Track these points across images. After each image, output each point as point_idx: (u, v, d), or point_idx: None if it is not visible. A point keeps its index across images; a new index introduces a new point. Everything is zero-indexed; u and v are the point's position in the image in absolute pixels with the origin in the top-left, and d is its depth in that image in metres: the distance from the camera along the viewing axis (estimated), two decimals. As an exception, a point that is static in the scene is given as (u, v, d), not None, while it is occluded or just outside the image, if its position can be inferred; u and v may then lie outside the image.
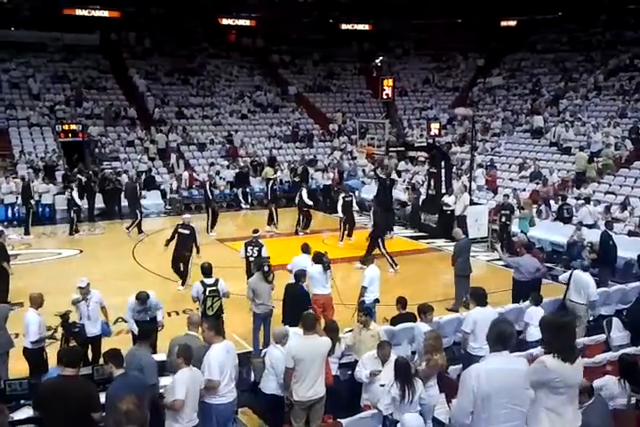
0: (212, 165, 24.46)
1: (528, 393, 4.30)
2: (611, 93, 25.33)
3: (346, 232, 16.75)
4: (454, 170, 20.24)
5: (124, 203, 20.37)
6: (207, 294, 8.87)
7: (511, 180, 21.69)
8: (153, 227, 18.52)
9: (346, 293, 10.60)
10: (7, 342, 8.13)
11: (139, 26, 31.85)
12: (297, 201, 18.18)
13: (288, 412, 6.59)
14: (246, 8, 34.25)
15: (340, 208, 16.60)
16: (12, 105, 25.54)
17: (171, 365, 6.58)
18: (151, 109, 27.62)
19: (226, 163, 24.80)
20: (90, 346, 8.38)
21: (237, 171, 23.77)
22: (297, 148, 28.16)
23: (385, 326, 8.77)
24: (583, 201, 16.77)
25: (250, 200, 22.94)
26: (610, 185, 19.20)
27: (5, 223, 18.64)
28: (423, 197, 18.81)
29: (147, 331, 6.99)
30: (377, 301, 9.91)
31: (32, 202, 18.27)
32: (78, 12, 30.52)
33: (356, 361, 7.32)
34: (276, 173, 22.97)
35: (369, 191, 21.45)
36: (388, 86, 19.37)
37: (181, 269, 12.62)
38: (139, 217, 17.95)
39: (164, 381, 6.56)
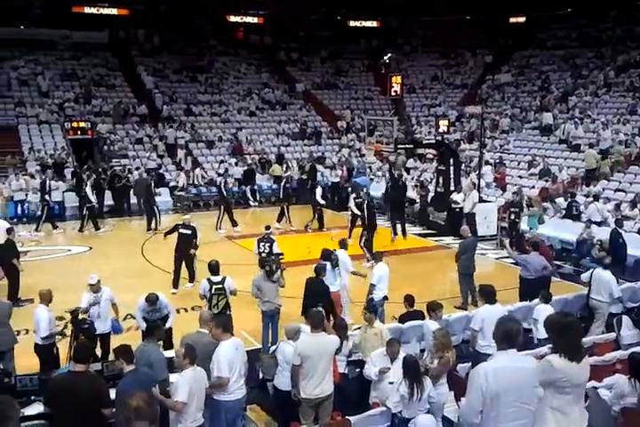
0: (221, 162, 24.53)
1: (536, 391, 4.29)
2: (621, 90, 25.16)
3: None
4: (463, 167, 20.17)
5: (133, 200, 20.47)
6: (213, 291, 8.89)
7: (520, 177, 21.59)
8: (162, 224, 18.53)
9: (355, 290, 10.60)
10: (11, 339, 8.19)
11: (147, 23, 31.91)
12: (311, 199, 18.25)
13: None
14: (254, 5, 34.21)
15: (353, 208, 16.43)
16: (22, 102, 25.66)
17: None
18: (159, 107, 27.66)
19: (234, 160, 24.83)
20: (99, 343, 8.43)
21: (245, 168, 23.80)
22: (305, 145, 28.15)
23: (392, 324, 8.78)
24: (592, 198, 16.70)
25: (258, 198, 22.95)
26: (620, 182, 19.09)
27: (15, 220, 18.72)
28: (432, 194, 18.77)
29: (151, 327, 6.97)
30: (385, 298, 9.92)
31: (48, 199, 18.43)
32: (87, 9, 30.57)
33: (363, 359, 7.34)
34: (287, 170, 22.98)
35: (377, 189, 21.44)
36: (396, 83, 19.34)
37: (180, 269, 12.47)
38: (156, 214, 17.97)
39: (173, 377, 6.57)
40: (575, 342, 4.34)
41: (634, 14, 28.35)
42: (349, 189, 19.78)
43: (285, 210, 18.42)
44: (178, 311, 10.19)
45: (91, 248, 16.27)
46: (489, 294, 7.81)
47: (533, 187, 19.91)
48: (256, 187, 23.10)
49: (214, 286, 8.90)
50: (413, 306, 8.85)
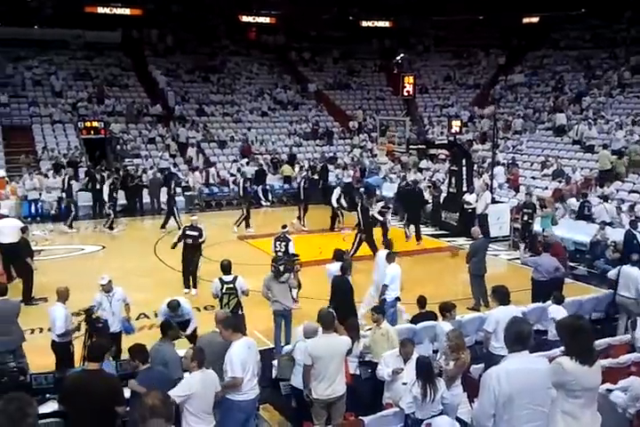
0: (234, 161, 24.58)
1: (550, 393, 4.26)
2: (635, 91, 24.95)
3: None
4: (475, 168, 20.10)
5: (146, 199, 20.56)
6: (224, 291, 8.88)
7: (533, 178, 21.47)
8: (174, 224, 18.58)
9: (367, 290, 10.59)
10: (19, 337, 8.25)
11: (160, 23, 32.03)
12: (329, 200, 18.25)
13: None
14: (266, 5, 34.30)
15: (377, 215, 16.35)
16: (35, 102, 25.85)
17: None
18: (172, 106, 27.77)
19: (245, 160, 24.87)
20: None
21: (257, 168, 23.85)
22: (317, 145, 28.17)
23: (405, 325, 8.77)
24: (600, 199, 16.61)
25: (270, 198, 22.99)
26: (634, 184, 18.94)
27: (29, 219, 18.85)
28: (444, 195, 18.72)
29: (165, 327, 6.97)
30: (398, 299, 9.89)
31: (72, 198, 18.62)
32: (100, 9, 30.80)
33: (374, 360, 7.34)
34: (302, 170, 22.97)
35: (390, 189, 21.41)
36: (408, 83, 19.35)
37: (189, 271, 12.38)
38: (175, 214, 18.06)
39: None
40: (587, 346, 4.31)
41: (648, 15, 28.18)
42: (361, 189, 19.72)
43: (301, 210, 18.45)
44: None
45: (104, 247, 16.35)
46: (502, 296, 7.77)
47: (546, 188, 19.79)
48: (267, 187, 23.12)
49: (225, 286, 8.89)
50: (425, 307, 8.84)
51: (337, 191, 18.03)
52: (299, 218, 18.39)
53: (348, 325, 7.67)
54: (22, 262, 11.88)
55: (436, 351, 7.96)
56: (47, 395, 6.27)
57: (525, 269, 12.66)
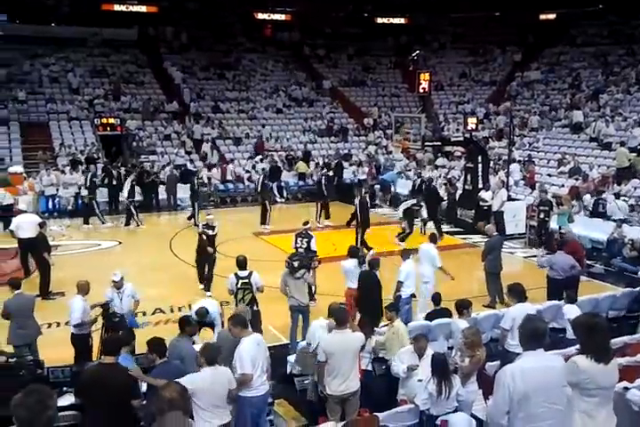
0: (250, 158, 24.64)
1: (565, 391, 4.24)
2: (653, 88, 24.75)
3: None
4: (491, 165, 19.99)
5: (162, 196, 20.68)
6: (239, 286, 8.92)
7: (549, 175, 21.33)
8: (189, 220, 18.67)
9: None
10: (36, 331, 8.34)
11: (175, 21, 32.16)
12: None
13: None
14: (282, 2, 34.30)
15: (400, 212, 16.29)
16: (53, 99, 26.07)
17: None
18: (187, 103, 27.87)
19: (259, 157, 24.90)
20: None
21: (271, 165, 23.87)
22: (332, 142, 28.16)
23: (419, 322, 8.75)
24: (613, 196, 16.49)
25: (285, 194, 23.02)
26: (651, 181, 18.77)
27: (46, 214, 19.01)
28: (460, 192, 18.65)
29: (182, 323, 7.00)
30: (413, 296, 9.88)
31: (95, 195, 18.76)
32: (116, 7, 31.01)
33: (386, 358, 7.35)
34: (317, 166, 22.92)
35: (405, 186, 21.37)
36: (424, 80, 19.33)
37: (204, 269, 12.23)
38: (196, 209, 18.13)
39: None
40: (603, 344, 4.28)
41: (667, 11, 27.84)
42: (376, 186, 19.74)
43: (318, 206, 18.49)
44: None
45: (120, 243, 16.47)
46: (519, 293, 7.73)
47: (562, 185, 19.66)
48: (282, 183, 23.15)
49: (241, 281, 8.93)
50: (439, 304, 8.82)
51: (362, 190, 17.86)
52: (327, 215, 18.32)
53: (361, 321, 7.69)
54: (40, 257, 12.00)
55: (451, 348, 7.93)
56: (64, 388, 6.32)
57: (537, 261, 12.60)
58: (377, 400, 7.04)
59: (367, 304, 9.07)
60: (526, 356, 4.36)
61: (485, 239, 12.41)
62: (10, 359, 7.28)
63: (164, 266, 13.75)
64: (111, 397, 5.38)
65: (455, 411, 6.09)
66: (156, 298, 11.12)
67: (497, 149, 23.68)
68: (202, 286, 12.08)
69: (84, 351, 7.98)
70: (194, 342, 7.05)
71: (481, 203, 16.98)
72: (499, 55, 34.39)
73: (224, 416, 5.68)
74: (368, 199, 17.30)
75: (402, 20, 36.07)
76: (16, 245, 13.19)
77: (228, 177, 23.13)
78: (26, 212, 14.11)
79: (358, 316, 8.99)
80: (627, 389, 6.09)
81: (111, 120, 24.98)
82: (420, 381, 6.36)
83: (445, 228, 17.97)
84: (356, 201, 15.48)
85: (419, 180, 19.43)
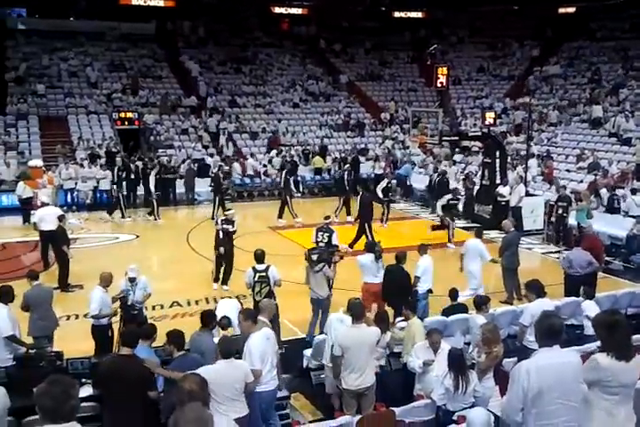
0: (267, 152, 24.68)
1: (581, 387, 4.22)
2: (675, 82, 24.41)
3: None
4: (509, 160, 19.84)
5: (180, 190, 20.76)
6: (256, 279, 8.97)
7: (568, 171, 21.14)
8: (206, 214, 18.75)
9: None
10: (54, 323, 8.41)
11: (193, 15, 32.22)
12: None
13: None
14: (299, -4, 34.31)
15: (439, 209, 16.27)
16: (71, 93, 26.25)
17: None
18: (204, 95, 27.93)
19: (275, 151, 24.89)
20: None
21: (287, 159, 23.86)
22: (348, 137, 28.09)
23: (436, 317, 8.72)
24: (629, 192, 16.32)
25: (301, 189, 23.01)
26: (672, 177, 18.55)
27: (65, 208, 19.15)
28: (477, 187, 18.53)
29: (203, 317, 7.03)
30: (430, 291, 9.86)
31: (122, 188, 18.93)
32: (134, 1, 31.11)
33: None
34: (334, 161, 22.85)
35: (420, 180, 21.27)
36: (442, 74, 19.13)
37: (221, 266, 12.10)
38: (216, 202, 18.18)
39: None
40: (624, 341, 4.25)
41: (690, 4, 27.43)
42: (393, 181, 19.64)
43: (340, 202, 18.37)
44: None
45: (137, 236, 16.59)
46: (537, 289, 7.69)
47: (581, 181, 19.48)
48: (299, 178, 23.14)
49: (258, 274, 8.98)
50: (456, 300, 8.80)
51: (382, 184, 17.79)
52: (348, 211, 18.20)
53: (377, 316, 7.68)
54: (59, 250, 12.11)
55: (467, 344, 7.91)
56: (83, 379, 6.37)
57: (559, 262, 12.51)
58: (393, 395, 7.04)
59: (391, 298, 9.21)
60: (542, 352, 4.34)
61: (503, 235, 12.31)
62: (30, 351, 7.38)
63: (182, 259, 13.82)
64: (128, 388, 5.43)
65: (472, 406, 6.08)
66: (173, 291, 11.21)
67: (515, 144, 23.50)
68: (215, 287, 11.96)
69: (104, 343, 8.05)
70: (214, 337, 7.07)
71: (499, 198, 16.88)
72: (517, 49, 34.10)
73: (240, 410, 5.68)
74: (381, 194, 17.34)
75: (419, 14, 35.90)
76: (35, 238, 13.33)
77: (249, 172, 23.16)
78: (48, 204, 14.20)
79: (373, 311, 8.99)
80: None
81: (129, 114, 25.08)
82: (437, 376, 6.36)
83: (462, 223, 17.90)
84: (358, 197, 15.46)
85: (435, 175, 19.35)
